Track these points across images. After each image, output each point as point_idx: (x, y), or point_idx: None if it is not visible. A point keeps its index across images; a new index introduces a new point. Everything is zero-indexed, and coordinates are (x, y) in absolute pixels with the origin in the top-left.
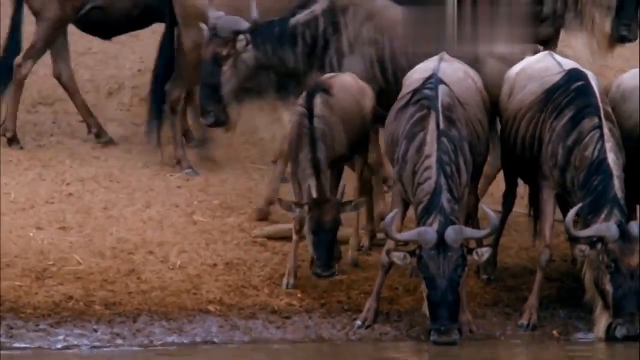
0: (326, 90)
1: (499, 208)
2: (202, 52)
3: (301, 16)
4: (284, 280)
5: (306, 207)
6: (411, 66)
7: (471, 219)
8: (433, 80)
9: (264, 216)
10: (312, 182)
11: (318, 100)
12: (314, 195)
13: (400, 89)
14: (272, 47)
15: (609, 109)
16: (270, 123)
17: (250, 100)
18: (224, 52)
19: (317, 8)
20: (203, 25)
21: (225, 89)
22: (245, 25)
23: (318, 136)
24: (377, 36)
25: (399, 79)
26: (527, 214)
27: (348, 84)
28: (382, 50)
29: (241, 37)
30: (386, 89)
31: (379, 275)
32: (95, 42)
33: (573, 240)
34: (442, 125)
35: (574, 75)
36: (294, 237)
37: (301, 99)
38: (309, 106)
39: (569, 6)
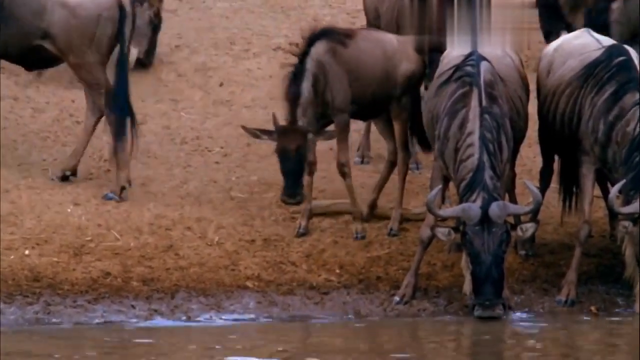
0: (338, 39)
1: (536, 184)
2: None
3: None
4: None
5: (275, 135)
6: None
7: (509, 194)
8: (474, 57)
9: None
10: (288, 113)
11: (320, 46)
12: (284, 123)
13: None
14: None
15: None
16: None
17: None
18: None
19: None
20: None
21: None
22: None
23: (306, 76)
24: None
25: None
26: (558, 190)
27: (382, 40)
28: None
29: None
30: None
31: (418, 251)
32: None
33: (615, 216)
34: (484, 102)
35: (615, 50)
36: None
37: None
38: (306, 49)
39: None
